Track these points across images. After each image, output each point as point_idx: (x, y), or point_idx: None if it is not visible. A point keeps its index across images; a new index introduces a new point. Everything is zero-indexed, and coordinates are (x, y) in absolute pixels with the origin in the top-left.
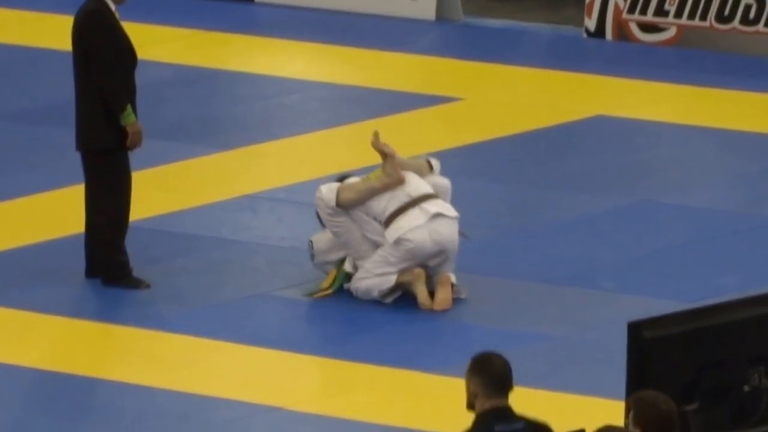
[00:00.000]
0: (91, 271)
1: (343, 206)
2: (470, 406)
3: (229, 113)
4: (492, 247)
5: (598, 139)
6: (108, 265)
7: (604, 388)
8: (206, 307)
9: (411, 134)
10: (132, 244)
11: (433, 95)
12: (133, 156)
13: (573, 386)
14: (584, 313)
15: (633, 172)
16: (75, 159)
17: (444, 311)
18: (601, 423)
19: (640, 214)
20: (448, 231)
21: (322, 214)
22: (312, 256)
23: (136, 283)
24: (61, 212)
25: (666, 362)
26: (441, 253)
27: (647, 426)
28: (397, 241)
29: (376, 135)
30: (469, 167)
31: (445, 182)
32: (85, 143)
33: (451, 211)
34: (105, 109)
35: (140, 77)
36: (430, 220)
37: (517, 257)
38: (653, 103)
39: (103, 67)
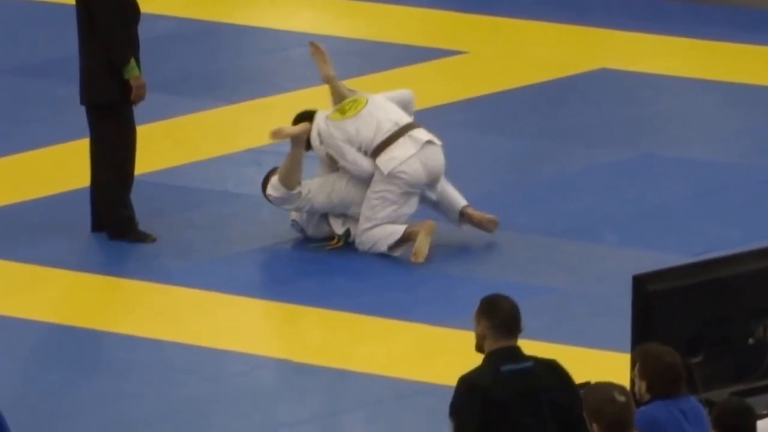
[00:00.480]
0: (97, 225)
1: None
2: (479, 348)
3: (233, 67)
4: (495, 201)
5: (602, 93)
6: (113, 219)
7: (608, 341)
8: (212, 260)
9: (416, 87)
10: (137, 198)
11: (438, 48)
12: (138, 110)
13: (577, 339)
14: (588, 267)
15: (636, 125)
16: (79, 113)
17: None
18: (606, 375)
19: (643, 168)
20: (439, 158)
21: (314, 143)
22: (302, 231)
23: (142, 237)
24: (66, 166)
25: (670, 315)
26: (433, 181)
27: (653, 378)
28: (391, 174)
29: (314, 47)
30: (473, 120)
31: (406, 93)
32: (88, 97)
33: (437, 139)
34: (108, 63)
35: (144, 31)
36: (422, 149)
37: (521, 210)
38: (657, 57)
39: (106, 21)
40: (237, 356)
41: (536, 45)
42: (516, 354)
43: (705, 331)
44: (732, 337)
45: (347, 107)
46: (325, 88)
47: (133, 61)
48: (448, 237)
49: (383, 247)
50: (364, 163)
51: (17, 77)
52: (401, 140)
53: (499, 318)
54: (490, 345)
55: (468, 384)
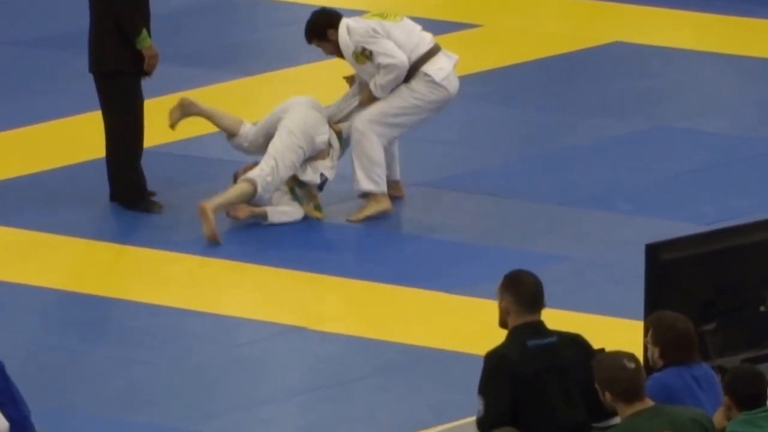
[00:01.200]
0: (115, 195)
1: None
2: (503, 323)
3: (248, 40)
4: (510, 171)
5: (616, 65)
6: (122, 186)
7: (622, 308)
8: (229, 230)
9: None
10: (155, 168)
11: (453, 22)
12: (154, 82)
13: (591, 306)
14: (602, 235)
15: (650, 97)
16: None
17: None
18: (620, 342)
19: (656, 139)
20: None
21: (342, 42)
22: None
23: (149, 206)
24: (83, 137)
25: (683, 283)
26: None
27: (666, 345)
28: (439, 84)
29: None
30: (489, 93)
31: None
32: (97, 65)
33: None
34: (118, 32)
35: (160, 5)
36: (454, 68)
37: (536, 180)
38: (671, 30)
39: None
40: (250, 324)
41: (551, 19)
42: (540, 329)
43: (717, 298)
44: (744, 305)
45: (385, 14)
46: (338, 60)
47: (144, 32)
48: (461, 206)
49: (366, 183)
50: (402, 55)
51: (34, 48)
52: (441, 53)
53: (522, 293)
54: (514, 320)
55: (497, 359)
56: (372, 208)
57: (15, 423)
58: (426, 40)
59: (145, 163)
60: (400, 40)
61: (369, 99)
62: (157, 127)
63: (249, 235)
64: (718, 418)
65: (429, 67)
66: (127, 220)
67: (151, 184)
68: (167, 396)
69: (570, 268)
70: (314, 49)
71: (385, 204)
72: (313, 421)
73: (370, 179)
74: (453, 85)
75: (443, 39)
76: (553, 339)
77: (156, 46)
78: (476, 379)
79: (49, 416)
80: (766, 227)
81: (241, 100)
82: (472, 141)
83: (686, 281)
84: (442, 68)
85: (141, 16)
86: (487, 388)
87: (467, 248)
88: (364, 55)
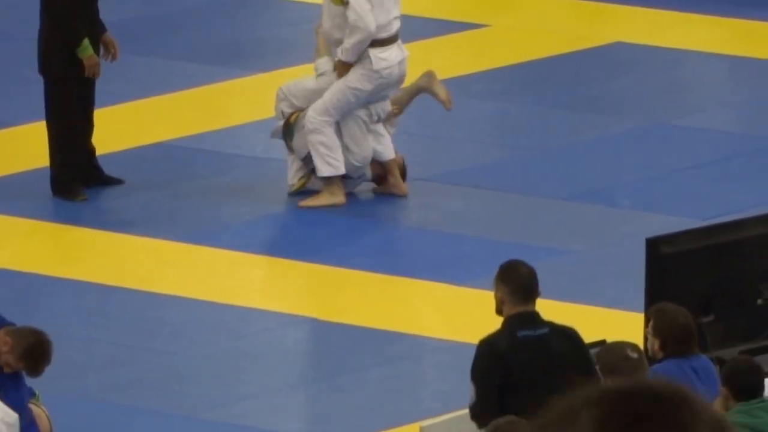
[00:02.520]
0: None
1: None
2: (499, 312)
3: (260, 37)
4: (514, 166)
5: (617, 65)
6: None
7: (622, 301)
8: (241, 222)
9: (439, 59)
10: (171, 162)
11: (462, 22)
12: (170, 78)
13: (593, 299)
14: (603, 229)
15: (650, 96)
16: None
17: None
18: (621, 334)
19: (657, 136)
20: (403, 75)
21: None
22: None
23: (72, 196)
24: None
25: (682, 276)
26: (386, 93)
27: (666, 337)
28: (377, 72)
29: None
30: (494, 90)
31: None
32: (43, 69)
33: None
34: (62, 40)
35: (174, 3)
36: (401, 63)
37: (538, 175)
38: (671, 31)
39: (60, 3)
40: (264, 314)
41: (556, 20)
42: (533, 319)
43: (715, 292)
44: (742, 297)
45: None
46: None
47: (85, 41)
48: (466, 201)
49: (324, 167)
50: (372, 23)
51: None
52: (395, 45)
53: (516, 283)
54: (508, 309)
55: (486, 348)
56: (324, 199)
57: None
58: (393, 26)
59: (156, 156)
60: (376, 9)
61: (343, 69)
62: (173, 120)
63: (263, 228)
64: (716, 408)
65: (376, 52)
66: (145, 210)
67: (157, 178)
68: (178, 384)
69: (572, 260)
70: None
71: (338, 197)
72: (322, 410)
73: (327, 164)
74: (393, 76)
75: (451, 38)
76: (545, 330)
77: (175, 45)
78: None
79: (60, 400)
80: (764, 222)
81: (254, 95)
82: (477, 137)
83: (685, 274)
84: (386, 59)
85: (83, 24)
86: (477, 375)
87: (472, 241)
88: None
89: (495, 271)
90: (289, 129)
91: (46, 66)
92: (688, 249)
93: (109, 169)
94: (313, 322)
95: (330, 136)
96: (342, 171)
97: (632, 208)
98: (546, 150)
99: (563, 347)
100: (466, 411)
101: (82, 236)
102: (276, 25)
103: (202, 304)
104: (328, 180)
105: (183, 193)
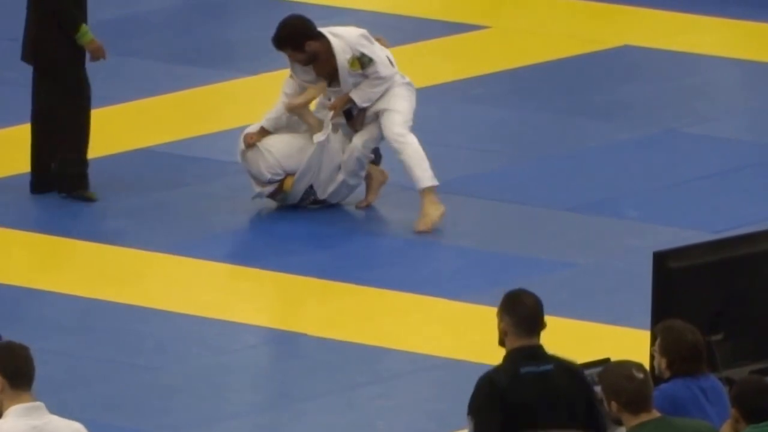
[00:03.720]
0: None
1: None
2: (501, 343)
3: (249, 39)
4: (516, 175)
5: (625, 69)
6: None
7: (628, 317)
8: (227, 231)
9: (438, 61)
10: (156, 169)
11: (461, 23)
12: (156, 81)
13: (597, 315)
14: (609, 242)
15: (659, 102)
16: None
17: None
18: (626, 352)
19: (666, 144)
20: None
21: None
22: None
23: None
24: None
25: (691, 292)
26: None
27: (674, 356)
28: (409, 83)
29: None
30: (494, 95)
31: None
32: (35, 58)
33: None
34: (58, 28)
35: (160, 3)
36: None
37: (541, 185)
38: (680, 34)
39: None
40: (250, 329)
41: (560, 21)
42: (537, 354)
43: (725, 309)
44: (753, 315)
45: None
46: None
47: (84, 26)
48: (465, 211)
49: (426, 180)
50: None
51: None
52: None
53: (520, 315)
54: (511, 342)
55: (486, 385)
56: (434, 214)
57: None
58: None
59: (140, 162)
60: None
61: (342, 106)
62: (157, 125)
63: (251, 238)
64: (725, 430)
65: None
66: (126, 220)
67: (145, 184)
68: (162, 402)
69: (576, 274)
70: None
71: (441, 206)
72: (311, 429)
73: (428, 175)
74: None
75: (451, 40)
76: (549, 367)
77: (160, 47)
78: None
79: None
80: None
81: (242, 99)
82: (476, 144)
83: (694, 290)
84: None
85: (80, 11)
86: (475, 411)
87: (471, 254)
88: (360, 61)
89: (495, 286)
90: (283, 196)
91: (35, 52)
92: (698, 263)
93: (91, 176)
94: (301, 337)
95: (417, 147)
96: (437, 182)
97: (639, 220)
98: (548, 158)
99: (568, 385)
100: None
101: (61, 246)
102: (266, 27)
103: (186, 318)
104: (428, 190)
105: (169, 201)
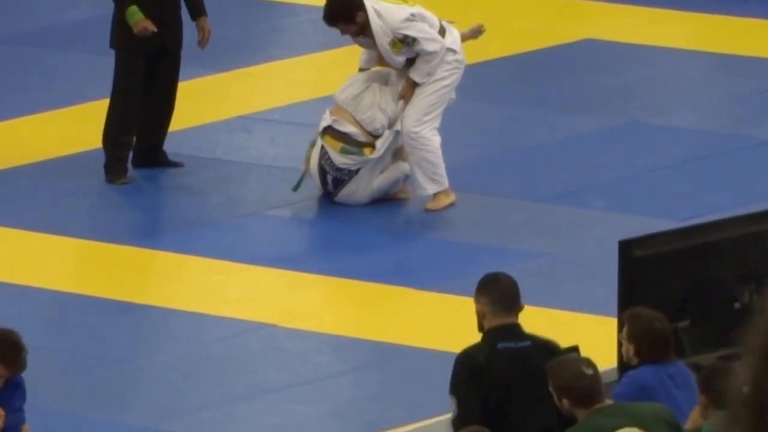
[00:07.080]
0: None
1: None
2: (481, 328)
3: (222, 36)
4: (482, 166)
5: (587, 62)
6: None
7: (595, 305)
8: (200, 226)
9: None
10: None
11: None
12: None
13: (564, 303)
14: (575, 231)
15: (621, 94)
16: (67, 80)
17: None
18: (593, 339)
19: (629, 135)
20: None
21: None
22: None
23: (114, 179)
24: (55, 133)
25: (657, 280)
26: None
27: (641, 343)
28: (458, 52)
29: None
30: (460, 88)
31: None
32: (111, 43)
33: None
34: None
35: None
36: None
37: (507, 176)
38: (641, 28)
39: None
40: (222, 321)
41: (522, 16)
42: (515, 332)
43: (691, 295)
44: (719, 302)
45: None
46: (313, 57)
47: (133, 7)
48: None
49: (430, 185)
50: (440, 38)
51: (5, 46)
52: (448, 26)
53: (497, 294)
54: (489, 322)
55: (464, 361)
56: (445, 200)
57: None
58: (434, 16)
59: None
60: (429, 21)
61: (410, 93)
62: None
63: (224, 233)
64: (694, 416)
65: (449, 41)
66: (102, 215)
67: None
68: (135, 394)
69: (543, 264)
70: (290, 45)
71: (452, 196)
72: (284, 420)
73: (431, 180)
74: (464, 60)
75: None
76: (527, 343)
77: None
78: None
79: None
80: (741, 223)
81: (215, 95)
82: (445, 137)
83: (660, 278)
84: (456, 40)
85: None
86: (456, 388)
87: (439, 244)
88: (404, 42)
89: (464, 275)
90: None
91: (112, 40)
92: (663, 251)
93: (64, 171)
94: (274, 329)
95: (434, 150)
96: (446, 185)
97: (604, 209)
98: (514, 150)
99: (545, 361)
100: (435, 420)
101: (33, 241)
102: (236, 24)
103: (157, 311)
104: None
105: (142, 195)
